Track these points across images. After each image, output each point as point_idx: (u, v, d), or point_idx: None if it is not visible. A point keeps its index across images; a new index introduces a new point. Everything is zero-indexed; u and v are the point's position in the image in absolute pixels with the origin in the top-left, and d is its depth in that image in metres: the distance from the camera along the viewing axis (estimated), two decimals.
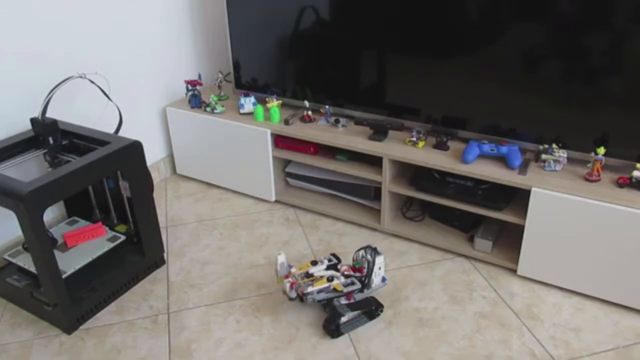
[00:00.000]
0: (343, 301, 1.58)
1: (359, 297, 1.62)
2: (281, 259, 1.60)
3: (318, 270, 1.61)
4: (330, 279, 1.58)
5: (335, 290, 1.58)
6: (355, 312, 1.59)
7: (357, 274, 1.62)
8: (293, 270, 1.61)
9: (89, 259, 1.71)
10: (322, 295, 1.57)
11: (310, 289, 1.54)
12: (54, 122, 1.75)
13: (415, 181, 1.89)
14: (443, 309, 1.66)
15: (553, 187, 1.61)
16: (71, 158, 1.75)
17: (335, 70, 2.09)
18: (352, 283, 1.60)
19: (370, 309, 1.61)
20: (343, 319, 1.55)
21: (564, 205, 1.59)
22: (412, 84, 1.94)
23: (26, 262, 1.68)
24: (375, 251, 1.61)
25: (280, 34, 2.15)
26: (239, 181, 2.30)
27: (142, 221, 1.75)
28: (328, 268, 1.63)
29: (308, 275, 1.60)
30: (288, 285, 1.56)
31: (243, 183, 2.29)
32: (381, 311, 1.63)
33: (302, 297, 1.55)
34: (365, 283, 1.61)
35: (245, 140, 2.17)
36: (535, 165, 1.75)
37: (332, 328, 1.54)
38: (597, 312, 1.63)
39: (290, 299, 1.57)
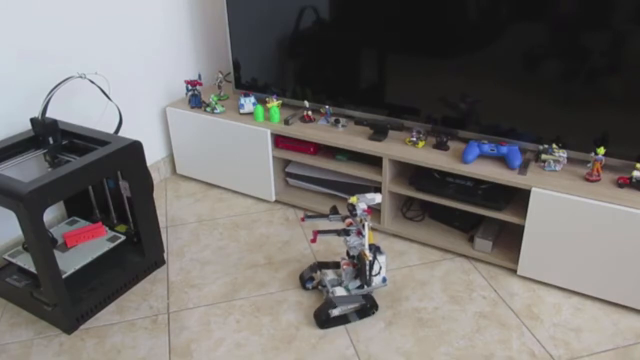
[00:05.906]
0: (338, 294, 1.58)
1: (357, 293, 1.62)
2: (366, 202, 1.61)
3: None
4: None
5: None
6: (349, 307, 1.59)
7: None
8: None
9: (89, 259, 1.71)
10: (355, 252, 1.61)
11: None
12: (54, 122, 1.75)
13: (415, 181, 1.89)
14: (443, 309, 1.65)
15: (553, 187, 1.61)
16: (71, 158, 1.75)
17: (335, 70, 2.09)
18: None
19: (365, 307, 1.60)
20: (335, 312, 1.55)
21: (563, 205, 1.59)
22: (412, 84, 1.94)
23: (26, 262, 1.68)
24: (378, 250, 1.61)
25: (280, 34, 2.15)
26: (239, 181, 2.30)
27: (142, 221, 1.75)
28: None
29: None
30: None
31: (243, 183, 2.29)
32: (375, 310, 1.62)
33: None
34: (366, 280, 1.61)
35: (245, 140, 2.17)
36: (535, 165, 1.75)
37: (323, 318, 1.54)
38: (597, 312, 1.63)
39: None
